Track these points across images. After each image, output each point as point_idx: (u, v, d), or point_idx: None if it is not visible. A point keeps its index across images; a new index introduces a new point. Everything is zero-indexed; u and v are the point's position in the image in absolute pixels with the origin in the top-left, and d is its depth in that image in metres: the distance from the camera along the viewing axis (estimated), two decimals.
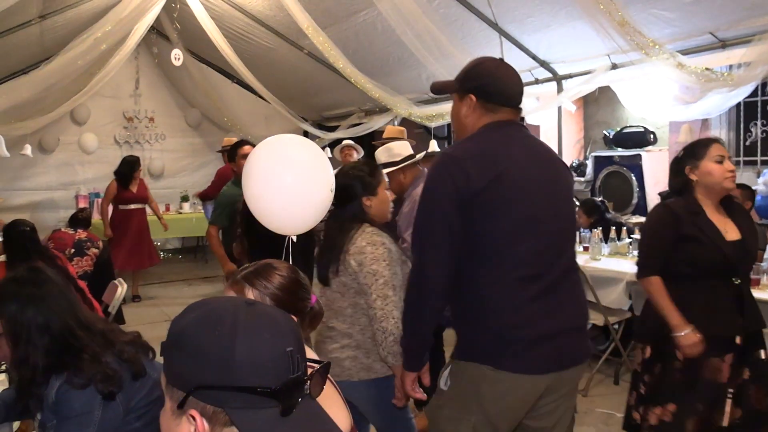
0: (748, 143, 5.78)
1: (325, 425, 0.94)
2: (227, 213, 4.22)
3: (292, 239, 2.48)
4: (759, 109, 5.64)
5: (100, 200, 8.15)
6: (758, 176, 5.12)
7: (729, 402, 2.48)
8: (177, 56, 7.01)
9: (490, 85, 1.97)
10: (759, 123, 5.67)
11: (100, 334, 1.83)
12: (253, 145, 4.45)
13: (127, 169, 6.73)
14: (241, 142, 4.55)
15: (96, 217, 7.67)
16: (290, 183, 2.36)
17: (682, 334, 2.46)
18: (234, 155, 4.45)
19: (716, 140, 2.62)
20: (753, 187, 4.72)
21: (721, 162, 2.52)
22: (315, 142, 8.75)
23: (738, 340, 2.48)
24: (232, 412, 0.86)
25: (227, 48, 6.84)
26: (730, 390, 2.48)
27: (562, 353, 1.89)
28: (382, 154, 3.58)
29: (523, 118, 6.44)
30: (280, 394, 0.86)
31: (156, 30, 7.81)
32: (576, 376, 2.03)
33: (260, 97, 8.06)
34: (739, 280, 2.51)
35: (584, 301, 2.05)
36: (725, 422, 2.48)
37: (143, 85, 9.13)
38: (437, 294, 1.91)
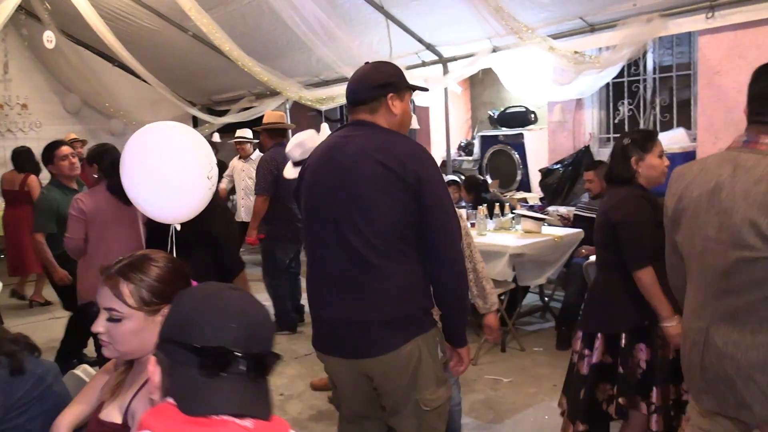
0: (616, 121, 6.22)
1: (251, 405, 1.03)
2: (53, 218, 4.11)
3: (175, 227, 2.46)
4: (626, 89, 6.07)
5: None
6: None
7: None
8: (49, 38, 6.59)
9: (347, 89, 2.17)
10: (626, 102, 6.10)
11: None
12: (71, 145, 4.31)
13: (34, 162, 6.03)
14: (57, 143, 4.30)
15: None
16: (166, 171, 2.35)
17: (674, 324, 2.45)
18: (51, 157, 4.21)
19: (657, 134, 2.75)
20: None
21: (661, 157, 2.64)
22: (204, 127, 8.55)
23: None
24: (173, 365, 1.05)
25: (105, 30, 6.51)
26: None
27: (339, 342, 2.06)
28: (296, 152, 3.49)
29: (411, 101, 6.63)
30: (200, 352, 1.01)
31: (24, 10, 7.30)
32: (378, 368, 2.02)
33: (145, 81, 7.75)
34: None
35: (369, 296, 2.00)
36: None
37: (13, 69, 8.51)
38: None
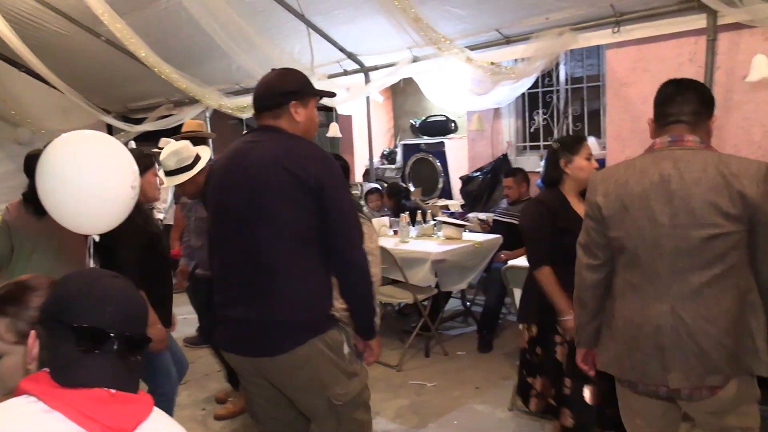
0: (532, 130, 6.45)
1: (119, 380, 1.14)
2: None
3: (94, 239, 2.37)
4: (540, 100, 6.32)
5: None
6: (541, 159, 5.74)
7: None
8: None
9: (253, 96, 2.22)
10: (540, 112, 6.35)
11: None
12: None
13: None
14: None
15: None
16: (90, 182, 2.25)
17: (568, 318, 2.67)
18: None
19: (585, 138, 2.88)
20: (537, 170, 5.27)
21: (589, 160, 2.80)
22: (120, 136, 8.21)
23: None
24: (51, 340, 1.15)
25: (10, 33, 6.17)
26: None
27: (238, 340, 2.12)
28: (170, 161, 3.42)
29: (332, 109, 6.66)
30: (77, 331, 1.13)
31: None
32: (274, 368, 2.07)
33: (55, 87, 7.40)
34: None
35: (268, 299, 2.04)
36: None
37: None
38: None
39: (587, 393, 2.68)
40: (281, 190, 2.00)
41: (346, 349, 2.15)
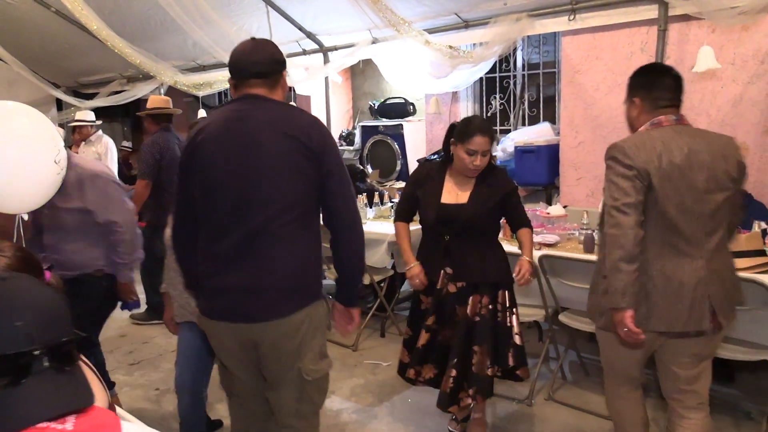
0: (489, 114, 6.51)
1: (68, 400, 0.93)
2: None
3: (22, 217, 2.27)
4: (497, 85, 6.38)
5: None
6: (497, 143, 5.83)
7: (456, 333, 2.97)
8: None
9: (229, 66, 2.16)
10: (497, 97, 6.42)
11: None
12: None
13: None
14: None
15: None
16: (6, 157, 2.13)
17: (408, 267, 3.04)
18: None
19: (480, 132, 2.82)
20: (493, 153, 5.35)
21: (471, 155, 2.83)
22: (70, 111, 7.95)
23: (439, 284, 2.95)
24: None
25: None
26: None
27: (231, 307, 2.10)
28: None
29: (291, 89, 6.59)
30: None
31: None
32: (267, 334, 2.08)
33: (1, 59, 7.13)
34: (448, 236, 2.93)
35: (267, 265, 2.05)
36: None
37: None
38: (175, 245, 2.32)
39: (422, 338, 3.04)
40: (283, 156, 2.02)
41: (328, 326, 2.21)
